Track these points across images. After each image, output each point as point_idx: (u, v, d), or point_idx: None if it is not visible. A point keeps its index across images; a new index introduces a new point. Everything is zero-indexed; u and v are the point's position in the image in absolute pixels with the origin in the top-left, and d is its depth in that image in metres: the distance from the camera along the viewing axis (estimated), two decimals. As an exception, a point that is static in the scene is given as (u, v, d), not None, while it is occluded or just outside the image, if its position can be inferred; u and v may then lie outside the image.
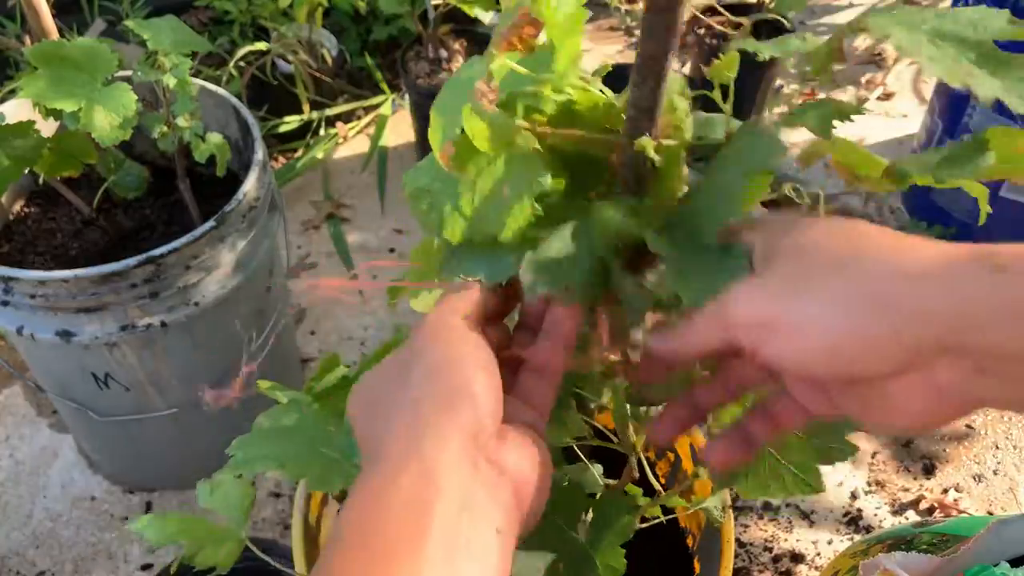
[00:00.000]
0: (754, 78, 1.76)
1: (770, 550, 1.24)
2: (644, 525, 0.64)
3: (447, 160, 0.40)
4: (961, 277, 0.29)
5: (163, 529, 0.50)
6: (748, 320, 0.34)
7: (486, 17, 1.69)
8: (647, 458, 0.65)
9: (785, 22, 1.78)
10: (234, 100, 1.12)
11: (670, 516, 0.70)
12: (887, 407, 0.32)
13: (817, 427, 0.52)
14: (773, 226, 0.36)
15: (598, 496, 0.61)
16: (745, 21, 1.48)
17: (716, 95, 0.45)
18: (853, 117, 0.38)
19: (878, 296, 0.30)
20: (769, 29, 1.77)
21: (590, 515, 0.58)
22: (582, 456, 0.65)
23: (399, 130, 1.94)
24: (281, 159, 1.85)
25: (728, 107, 0.44)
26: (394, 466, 0.33)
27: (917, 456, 1.36)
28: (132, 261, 0.91)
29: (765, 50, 0.42)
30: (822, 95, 1.98)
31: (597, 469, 0.65)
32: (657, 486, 0.66)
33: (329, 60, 1.84)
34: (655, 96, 0.39)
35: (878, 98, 2.03)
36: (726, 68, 0.43)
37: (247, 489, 0.52)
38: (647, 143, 0.39)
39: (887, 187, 0.41)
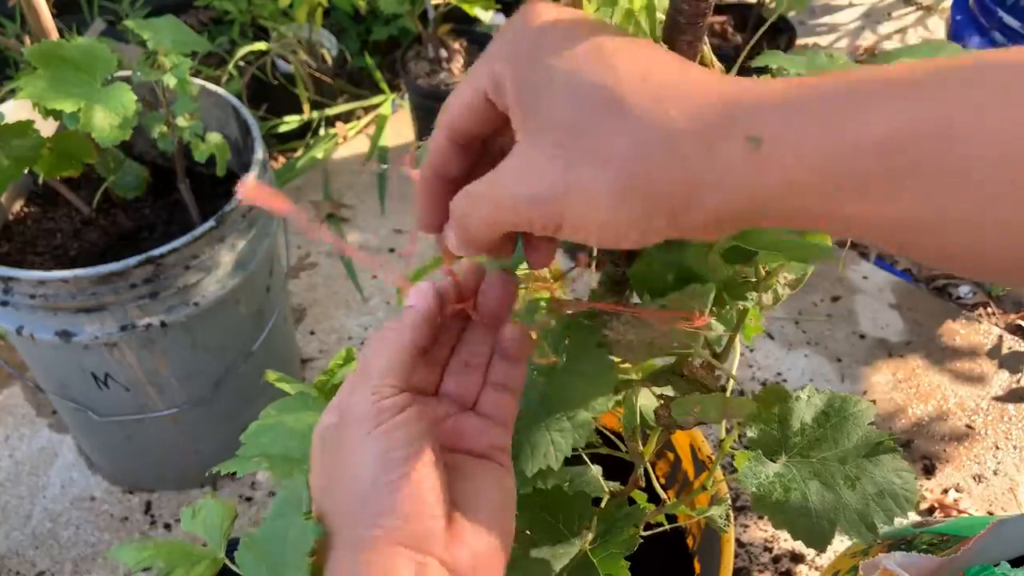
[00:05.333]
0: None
1: (770, 550, 1.24)
2: (648, 532, 0.64)
3: None
4: (720, 155, 0.27)
5: (138, 554, 0.50)
6: (527, 202, 0.31)
7: (486, 17, 1.69)
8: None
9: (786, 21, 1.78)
10: (234, 100, 1.12)
11: (673, 523, 0.70)
12: None
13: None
14: (520, 55, 0.32)
15: (603, 502, 0.61)
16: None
17: None
18: None
19: (634, 184, 0.28)
20: (771, 29, 1.77)
21: (594, 521, 0.58)
22: (584, 458, 0.64)
23: (399, 130, 1.94)
24: (281, 159, 1.85)
25: None
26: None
27: (917, 456, 1.36)
28: (132, 261, 0.91)
29: (793, 67, 0.42)
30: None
31: (596, 471, 0.65)
32: (662, 494, 0.66)
33: (329, 60, 1.84)
34: None
35: (878, 98, 2.02)
36: None
37: (227, 511, 0.52)
38: None
39: None
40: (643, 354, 0.46)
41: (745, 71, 0.45)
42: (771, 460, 0.50)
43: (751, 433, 0.51)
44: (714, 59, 0.41)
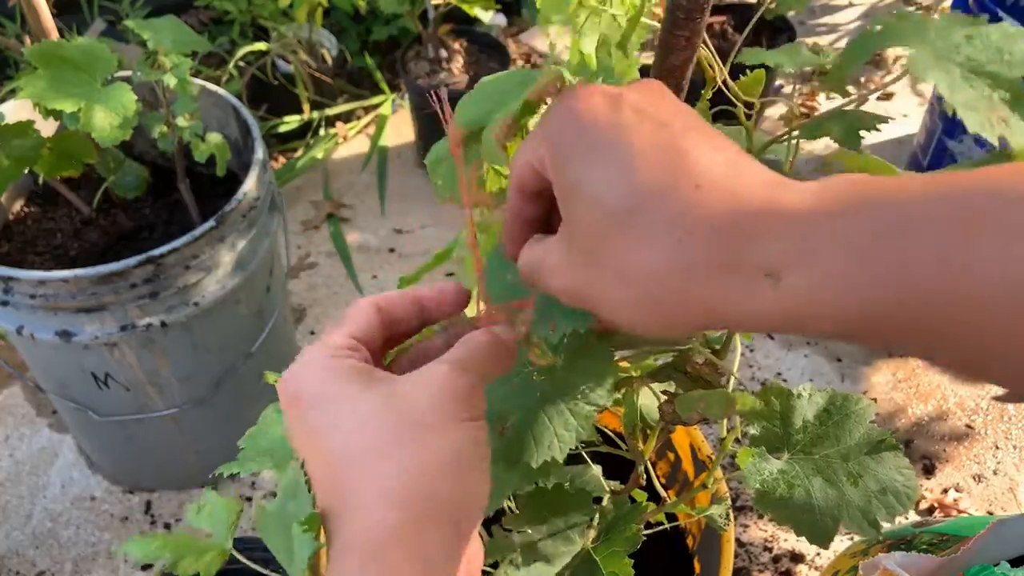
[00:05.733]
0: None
1: (770, 550, 1.24)
2: (649, 531, 0.64)
3: (455, 146, 0.42)
4: (742, 289, 0.27)
5: (146, 547, 0.51)
6: (563, 292, 0.34)
7: (486, 17, 1.69)
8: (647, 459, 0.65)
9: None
10: (234, 100, 1.12)
11: (673, 522, 0.70)
12: None
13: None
14: (564, 159, 0.32)
15: (604, 501, 0.61)
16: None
17: (739, 111, 0.44)
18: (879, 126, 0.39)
19: (658, 297, 0.29)
20: (771, 29, 1.77)
21: (596, 520, 0.58)
22: (585, 456, 0.64)
23: (399, 130, 1.94)
24: (281, 159, 1.85)
25: (751, 124, 0.44)
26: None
27: (917, 456, 1.36)
28: (132, 261, 0.91)
29: (779, 61, 0.42)
30: (822, 97, 1.98)
31: (596, 470, 0.65)
32: (662, 492, 0.66)
33: (329, 60, 1.84)
34: None
35: (878, 98, 2.03)
36: (753, 85, 0.43)
37: (233, 505, 0.52)
38: None
39: None
40: (624, 344, 0.46)
41: (739, 69, 0.45)
42: (774, 457, 0.50)
43: (753, 431, 0.51)
44: (714, 59, 0.41)
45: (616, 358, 0.52)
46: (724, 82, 0.43)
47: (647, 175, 0.29)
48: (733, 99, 0.44)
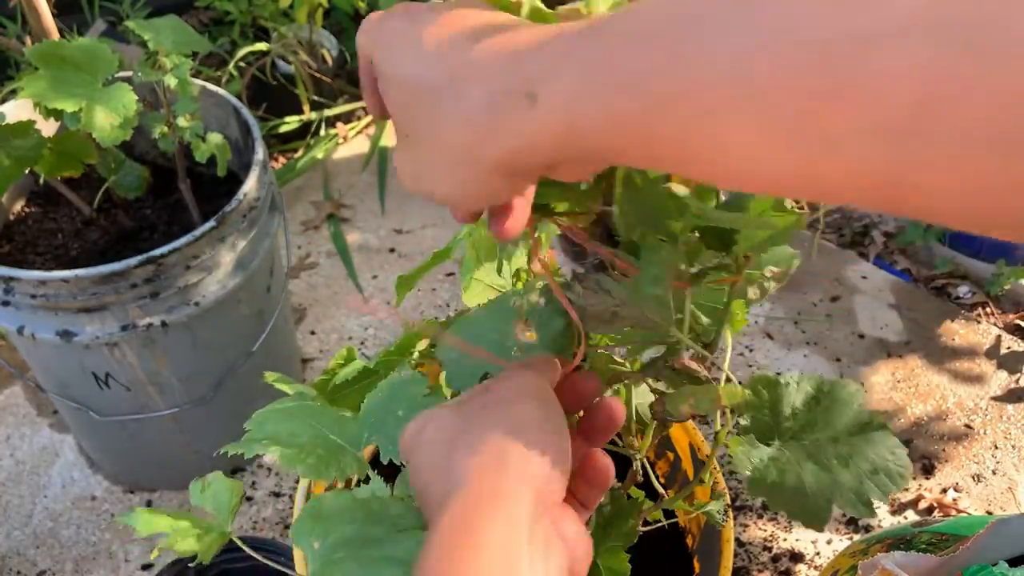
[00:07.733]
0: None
1: (769, 549, 1.25)
2: (646, 528, 0.64)
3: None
4: (509, 115, 0.30)
5: (150, 521, 0.51)
6: (405, 180, 0.36)
7: (486, 17, 1.69)
8: (646, 458, 0.65)
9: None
10: (234, 100, 1.13)
11: (672, 519, 0.70)
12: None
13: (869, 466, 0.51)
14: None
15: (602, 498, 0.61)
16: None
17: None
18: None
19: (460, 158, 0.32)
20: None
21: (593, 517, 0.58)
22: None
23: (399, 130, 1.95)
24: (281, 159, 1.86)
25: None
26: (479, 510, 0.33)
27: (916, 456, 1.36)
28: (133, 261, 0.91)
29: None
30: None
31: None
32: (660, 489, 0.66)
33: (329, 60, 1.84)
34: None
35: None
36: None
37: (235, 487, 0.52)
38: None
39: None
40: (608, 325, 0.46)
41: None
42: (765, 445, 0.51)
43: (744, 421, 0.52)
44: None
45: (611, 356, 0.52)
46: None
47: (431, 44, 0.32)
48: None
